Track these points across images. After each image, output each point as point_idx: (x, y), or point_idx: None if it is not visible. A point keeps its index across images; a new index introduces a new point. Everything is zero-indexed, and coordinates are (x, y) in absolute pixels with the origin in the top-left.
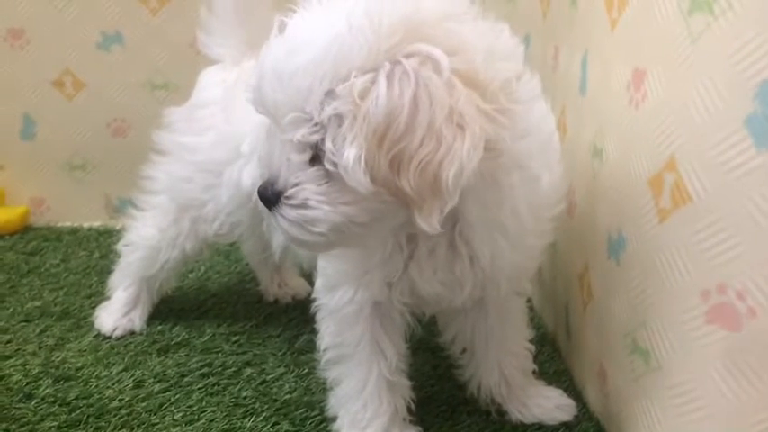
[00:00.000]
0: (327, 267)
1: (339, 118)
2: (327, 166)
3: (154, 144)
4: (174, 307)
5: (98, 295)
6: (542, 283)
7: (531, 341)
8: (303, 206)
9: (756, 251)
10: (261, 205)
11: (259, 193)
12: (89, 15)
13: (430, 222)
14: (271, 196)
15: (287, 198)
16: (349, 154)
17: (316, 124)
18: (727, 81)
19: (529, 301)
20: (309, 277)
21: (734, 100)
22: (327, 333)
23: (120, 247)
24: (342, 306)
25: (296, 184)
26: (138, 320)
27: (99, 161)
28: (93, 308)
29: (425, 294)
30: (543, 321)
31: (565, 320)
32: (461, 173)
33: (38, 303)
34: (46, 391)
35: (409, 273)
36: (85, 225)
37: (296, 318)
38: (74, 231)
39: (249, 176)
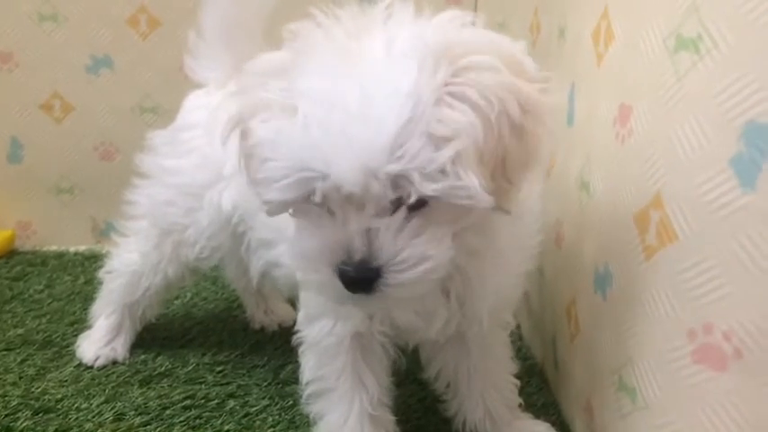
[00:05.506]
0: (309, 298)
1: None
2: (457, 201)
3: (139, 168)
4: (158, 335)
5: (81, 323)
6: (531, 312)
7: (518, 373)
8: (422, 261)
9: (743, 292)
10: (345, 293)
11: (353, 280)
12: (78, 39)
13: (511, 206)
14: (373, 275)
15: (395, 265)
16: (472, 183)
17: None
18: (712, 120)
19: (518, 329)
20: (296, 305)
21: (719, 139)
22: (309, 366)
23: (102, 274)
24: (322, 338)
25: (401, 248)
26: (120, 349)
27: (86, 185)
28: (76, 336)
29: (401, 324)
30: (532, 352)
31: (553, 352)
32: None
33: (20, 331)
34: (25, 424)
35: None
36: (71, 249)
37: (282, 347)
38: (59, 256)
39: (230, 199)
